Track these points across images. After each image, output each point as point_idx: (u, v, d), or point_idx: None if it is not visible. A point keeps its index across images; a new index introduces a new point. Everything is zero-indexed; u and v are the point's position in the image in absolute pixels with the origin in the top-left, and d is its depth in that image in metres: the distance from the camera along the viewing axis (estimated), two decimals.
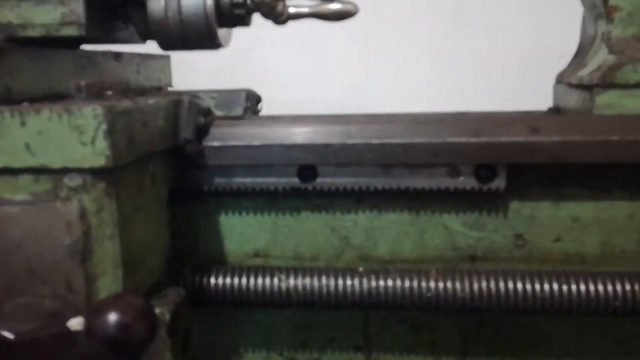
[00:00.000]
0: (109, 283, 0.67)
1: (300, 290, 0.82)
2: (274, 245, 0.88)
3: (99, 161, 0.63)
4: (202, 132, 0.82)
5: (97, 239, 0.66)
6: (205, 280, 0.83)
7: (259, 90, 0.97)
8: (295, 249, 0.88)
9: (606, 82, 0.82)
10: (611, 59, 0.83)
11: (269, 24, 0.85)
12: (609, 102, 0.83)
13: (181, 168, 0.84)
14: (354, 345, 0.90)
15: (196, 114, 0.82)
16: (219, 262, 0.88)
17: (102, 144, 0.63)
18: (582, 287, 0.77)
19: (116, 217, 0.67)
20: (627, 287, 0.77)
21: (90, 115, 0.63)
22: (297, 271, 0.83)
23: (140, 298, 0.60)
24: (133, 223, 0.72)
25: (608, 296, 0.76)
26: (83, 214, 0.65)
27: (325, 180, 0.83)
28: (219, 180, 0.84)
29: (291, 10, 0.86)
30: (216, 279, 0.83)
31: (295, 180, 0.83)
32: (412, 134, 0.80)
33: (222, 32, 0.83)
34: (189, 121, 0.81)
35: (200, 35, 0.80)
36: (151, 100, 0.74)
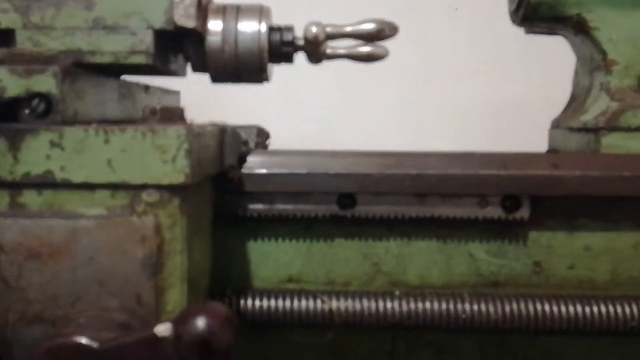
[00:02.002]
0: (176, 296, 0.69)
1: (342, 312, 0.85)
2: (307, 271, 0.91)
3: (179, 179, 0.67)
4: (242, 159, 0.87)
5: (168, 253, 0.69)
6: (247, 302, 0.85)
7: None
8: (328, 275, 0.91)
9: (611, 125, 0.93)
10: (614, 105, 0.94)
11: None
12: (613, 143, 0.93)
13: (221, 194, 0.87)
14: None
15: (238, 142, 0.86)
16: (252, 286, 0.90)
17: (182, 162, 0.67)
18: (603, 308, 0.85)
19: (186, 233, 0.70)
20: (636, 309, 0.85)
21: (173, 136, 0.67)
22: (336, 294, 0.86)
23: (224, 306, 0.62)
24: (194, 242, 0.74)
25: (626, 317, 0.84)
26: (158, 228, 0.68)
27: (362, 208, 0.88)
28: (258, 207, 0.88)
29: (328, 50, 0.92)
30: (260, 301, 0.85)
31: (334, 208, 0.88)
32: (447, 166, 0.87)
33: (269, 67, 0.88)
34: (232, 148, 0.85)
35: (251, 70, 0.85)
36: (209, 127, 0.78)
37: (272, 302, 0.85)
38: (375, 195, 0.88)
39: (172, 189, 0.68)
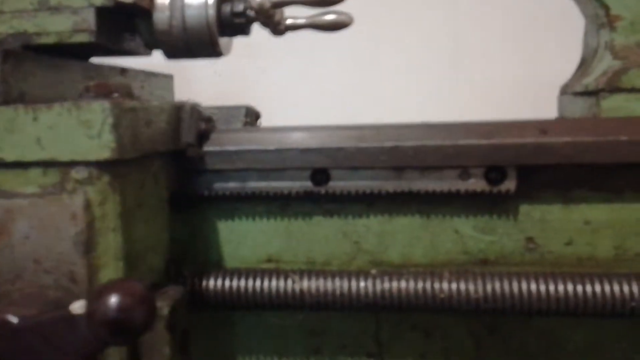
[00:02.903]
0: (110, 275, 0.69)
1: (313, 292, 0.82)
2: (286, 250, 0.88)
3: (104, 154, 0.66)
4: (203, 137, 0.85)
5: (100, 230, 0.68)
6: (205, 282, 0.84)
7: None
8: (308, 254, 0.88)
9: (612, 86, 0.84)
10: (616, 64, 0.85)
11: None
12: (615, 105, 0.84)
13: (190, 173, 0.85)
14: (366, 352, 0.89)
15: (198, 119, 0.84)
16: (230, 267, 0.88)
17: (107, 137, 0.66)
18: (598, 287, 0.77)
19: (119, 210, 0.69)
20: None
21: (98, 110, 0.66)
22: (309, 273, 0.83)
23: (140, 283, 0.60)
24: (135, 219, 0.73)
25: (624, 296, 0.76)
26: (88, 205, 0.67)
27: (337, 184, 0.84)
28: (231, 185, 0.85)
29: (289, 21, 0.89)
30: (215, 281, 0.83)
31: (308, 184, 0.84)
32: (424, 137, 0.82)
33: (223, 41, 0.86)
34: (190, 126, 0.83)
35: (202, 44, 0.83)
36: (155, 102, 0.77)
37: (239, 282, 0.83)
38: (350, 170, 0.84)
39: (101, 165, 0.67)
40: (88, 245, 0.67)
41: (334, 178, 0.84)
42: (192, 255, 0.88)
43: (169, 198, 0.84)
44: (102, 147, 0.65)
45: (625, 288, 0.76)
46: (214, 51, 0.82)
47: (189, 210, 0.87)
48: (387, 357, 0.89)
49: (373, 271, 0.83)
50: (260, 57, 2.02)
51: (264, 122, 1.07)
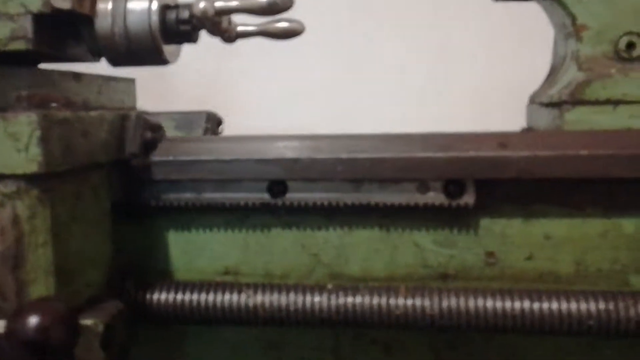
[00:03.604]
0: (41, 291, 0.67)
1: (266, 307, 0.80)
2: (244, 263, 0.87)
3: (32, 167, 0.64)
4: (150, 146, 0.83)
5: (29, 245, 0.66)
6: (150, 295, 0.82)
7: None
8: (266, 266, 0.86)
9: (575, 98, 0.83)
10: (580, 75, 0.83)
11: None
12: (578, 118, 0.83)
13: (137, 183, 0.84)
14: None
15: (144, 128, 0.82)
16: (186, 279, 0.86)
17: (35, 150, 0.64)
18: (555, 305, 0.75)
19: (49, 224, 0.67)
20: (602, 305, 0.75)
21: (24, 122, 0.64)
22: (262, 287, 0.81)
23: (61, 303, 0.60)
24: (70, 233, 0.71)
25: (582, 315, 0.75)
26: (16, 220, 0.66)
27: (295, 196, 0.82)
28: (186, 196, 0.84)
29: (239, 28, 0.87)
30: (160, 294, 0.82)
31: (265, 196, 0.83)
32: (381, 149, 0.80)
33: (169, 48, 0.84)
34: (135, 135, 0.81)
35: (146, 51, 0.81)
36: (94, 113, 0.75)
37: (185, 296, 0.81)
38: (307, 182, 0.82)
39: (29, 179, 0.65)
40: (16, 260, 0.65)
41: (292, 189, 0.82)
42: (147, 267, 0.86)
43: (118, 209, 0.82)
44: (29, 160, 0.64)
45: (583, 306, 0.75)
46: (159, 58, 0.80)
47: (142, 220, 0.86)
48: None
49: (329, 286, 0.81)
50: (244, 58, 2.00)
51: (246, 122, 1.06)
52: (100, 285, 0.79)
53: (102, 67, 0.91)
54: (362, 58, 1.92)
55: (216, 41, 0.91)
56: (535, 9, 0.99)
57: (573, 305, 0.75)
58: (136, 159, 0.80)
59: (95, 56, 0.84)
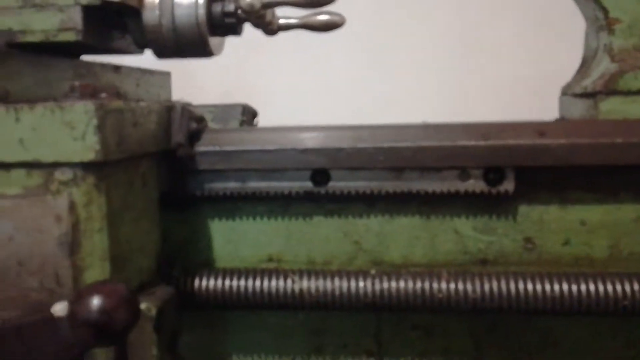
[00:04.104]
0: (96, 276, 0.69)
1: (312, 292, 0.83)
2: (287, 250, 0.89)
3: (89, 155, 0.66)
4: (194, 137, 0.85)
5: (85, 232, 0.69)
6: (197, 282, 0.85)
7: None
8: (308, 254, 0.89)
9: (609, 89, 0.85)
10: (613, 67, 0.86)
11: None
12: (612, 108, 0.85)
13: (182, 173, 0.86)
14: (367, 351, 0.90)
15: (188, 119, 0.85)
16: (230, 267, 0.89)
17: (92, 138, 0.66)
18: (591, 286, 0.78)
19: (104, 211, 0.69)
20: (636, 286, 0.78)
21: (81, 111, 0.66)
22: (307, 273, 0.84)
23: (123, 285, 0.61)
24: (122, 220, 0.74)
25: (617, 295, 0.77)
26: (72, 206, 0.68)
27: (337, 184, 0.85)
28: (230, 185, 0.86)
29: (281, 21, 0.90)
30: (207, 281, 0.84)
31: (308, 184, 0.85)
32: (423, 138, 0.83)
33: (214, 40, 0.87)
34: (180, 126, 0.84)
35: (192, 44, 0.83)
36: (143, 103, 0.77)
37: (233, 282, 0.84)
38: (350, 171, 0.85)
39: (85, 167, 0.67)
40: (73, 246, 0.67)
41: (334, 178, 0.85)
42: (192, 255, 0.89)
43: (165, 198, 0.84)
44: (86, 148, 0.66)
45: (619, 287, 0.77)
46: (204, 51, 0.83)
47: (187, 210, 0.88)
48: (387, 356, 0.90)
49: (372, 271, 0.84)
50: (268, 54, 2.02)
51: (270, 118, 1.08)
52: (150, 272, 0.81)
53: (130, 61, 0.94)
54: (386, 53, 1.95)
55: (242, 36, 0.94)
56: (560, 2, 1.01)
57: (609, 287, 0.78)
58: (182, 149, 0.82)
59: (140, 48, 0.87)
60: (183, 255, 0.89)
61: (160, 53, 0.85)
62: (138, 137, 0.74)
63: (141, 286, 0.78)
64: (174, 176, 0.86)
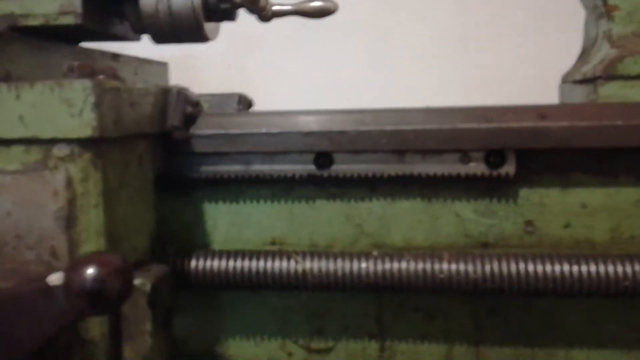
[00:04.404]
0: (91, 250, 0.70)
1: (315, 273, 0.83)
2: (290, 233, 0.90)
3: (86, 132, 0.68)
4: (190, 120, 0.87)
5: (81, 207, 0.70)
6: (190, 262, 0.86)
7: None
8: (311, 237, 0.90)
9: (608, 74, 0.86)
10: (613, 52, 0.87)
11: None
12: (611, 92, 0.86)
13: (180, 155, 0.87)
14: (369, 333, 0.91)
15: (184, 103, 0.86)
16: (234, 249, 0.90)
17: (89, 115, 0.68)
18: (593, 267, 0.79)
19: (101, 187, 0.71)
20: (637, 267, 0.78)
21: (79, 88, 0.68)
22: (310, 254, 0.85)
23: (118, 255, 0.62)
24: (118, 198, 0.75)
25: (618, 276, 0.78)
26: (69, 182, 0.69)
27: (340, 167, 0.86)
28: (235, 168, 0.87)
29: (275, 7, 0.91)
30: (199, 261, 0.85)
31: (311, 168, 0.86)
32: (425, 121, 0.84)
33: (209, 26, 0.88)
34: (177, 108, 0.85)
35: (188, 29, 0.85)
36: (139, 85, 0.79)
37: (209, 263, 0.85)
38: (352, 154, 0.86)
39: (82, 143, 0.68)
40: (69, 221, 0.68)
41: (337, 161, 0.86)
42: (195, 238, 0.90)
43: (162, 180, 0.85)
44: (83, 125, 0.67)
45: (620, 268, 0.78)
46: (200, 36, 0.85)
47: (192, 192, 0.89)
48: (389, 338, 0.90)
49: (374, 253, 0.85)
50: (270, 50, 2.04)
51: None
52: (145, 250, 0.83)
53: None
54: (387, 49, 1.96)
55: (242, 30, 0.95)
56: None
57: (610, 268, 0.78)
58: (177, 131, 0.84)
59: (137, 34, 0.88)
60: (182, 237, 0.90)
61: (157, 38, 0.86)
62: (135, 117, 0.76)
63: (136, 263, 0.79)
64: (170, 159, 0.87)
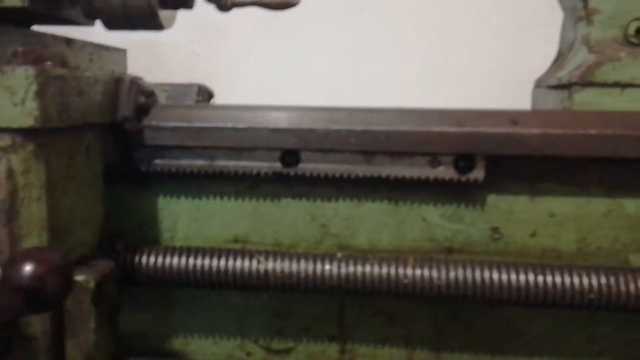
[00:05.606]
0: (33, 244, 0.68)
1: (277, 273, 0.81)
2: (254, 231, 0.88)
3: (28, 121, 0.65)
4: (143, 111, 0.83)
5: (23, 199, 0.67)
6: (137, 259, 0.83)
7: None
8: (275, 235, 0.88)
9: (585, 80, 0.85)
10: (591, 58, 0.85)
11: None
12: (587, 100, 0.85)
13: (134, 147, 0.84)
14: (329, 336, 0.89)
15: (137, 93, 0.83)
16: (195, 245, 0.87)
17: (31, 104, 0.64)
18: (558, 278, 0.77)
19: (43, 180, 0.68)
20: (603, 280, 0.77)
21: (21, 76, 0.64)
22: (273, 254, 0.82)
23: (57, 252, 0.60)
24: (63, 190, 0.72)
25: (583, 288, 0.77)
26: (10, 173, 0.66)
27: (307, 166, 0.83)
28: (199, 163, 0.84)
29: None
30: (149, 257, 0.83)
31: (277, 165, 0.84)
32: (395, 123, 0.81)
33: (165, 13, 0.85)
34: (128, 99, 0.82)
35: (142, 16, 0.81)
36: (89, 73, 0.75)
37: (155, 259, 0.83)
38: (320, 153, 0.83)
39: (25, 133, 0.65)
40: (10, 214, 0.66)
41: (304, 160, 0.83)
42: (156, 233, 0.87)
43: (113, 172, 0.83)
44: (25, 114, 0.64)
45: (585, 280, 0.77)
46: (154, 23, 0.81)
47: (153, 186, 0.87)
48: (350, 341, 0.89)
49: (338, 254, 0.83)
50: (242, 40, 1.99)
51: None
52: (91, 245, 0.80)
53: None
54: (360, 43, 1.93)
55: (212, 21, 0.91)
56: None
57: (575, 279, 0.77)
58: (129, 122, 0.80)
59: (90, 19, 0.84)
60: (143, 232, 0.87)
61: (110, 24, 0.82)
62: (82, 107, 0.73)
63: (82, 259, 0.76)
64: (123, 150, 0.84)
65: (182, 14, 0.94)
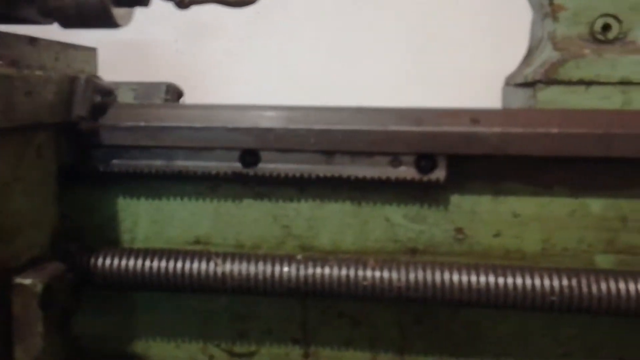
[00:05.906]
0: None
1: (235, 275, 0.80)
2: (215, 233, 0.86)
3: None
4: (99, 110, 0.82)
5: None
6: (92, 261, 0.81)
7: None
8: (237, 236, 0.86)
9: (549, 78, 0.83)
10: (555, 55, 0.84)
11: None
12: (550, 98, 0.83)
13: (90, 148, 0.83)
14: (292, 338, 0.88)
15: (93, 92, 0.81)
16: (156, 247, 0.86)
17: None
18: (519, 280, 0.76)
19: None
20: (565, 282, 0.76)
21: None
22: (232, 256, 0.81)
23: None
24: (11, 191, 0.70)
25: (545, 290, 0.75)
26: None
27: (267, 166, 0.82)
28: (157, 163, 0.83)
29: None
30: (106, 259, 0.81)
31: (237, 165, 0.82)
32: (355, 122, 0.80)
33: (119, 11, 0.83)
34: (84, 98, 0.80)
35: (95, 14, 0.80)
36: (39, 72, 0.73)
37: (114, 261, 0.81)
38: (280, 152, 0.82)
39: None
40: None
41: (264, 160, 0.82)
42: (115, 234, 0.86)
43: (68, 173, 0.81)
44: None
45: (547, 282, 0.75)
46: (109, 21, 0.80)
47: (111, 187, 0.85)
48: (313, 343, 0.87)
49: (298, 256, 0.81)
50: (227, 39, 1.98)
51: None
52: (43, 247, 0.78)
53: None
54: (346, 42, 1.91)
55: (197, 20, 0.90)
56: None
57: (537, 281, 0.76)
58: (84, 122, 0.79)
59: (45, 17, 0.83)
60: (102, 234, 0.86)
61: (65, 22, 0.81)
62: (32, 107, 0.71)
63: (32, 261, 0.75)
64: (80, 150, 0.83)
65: (166, 13, 0.93)
